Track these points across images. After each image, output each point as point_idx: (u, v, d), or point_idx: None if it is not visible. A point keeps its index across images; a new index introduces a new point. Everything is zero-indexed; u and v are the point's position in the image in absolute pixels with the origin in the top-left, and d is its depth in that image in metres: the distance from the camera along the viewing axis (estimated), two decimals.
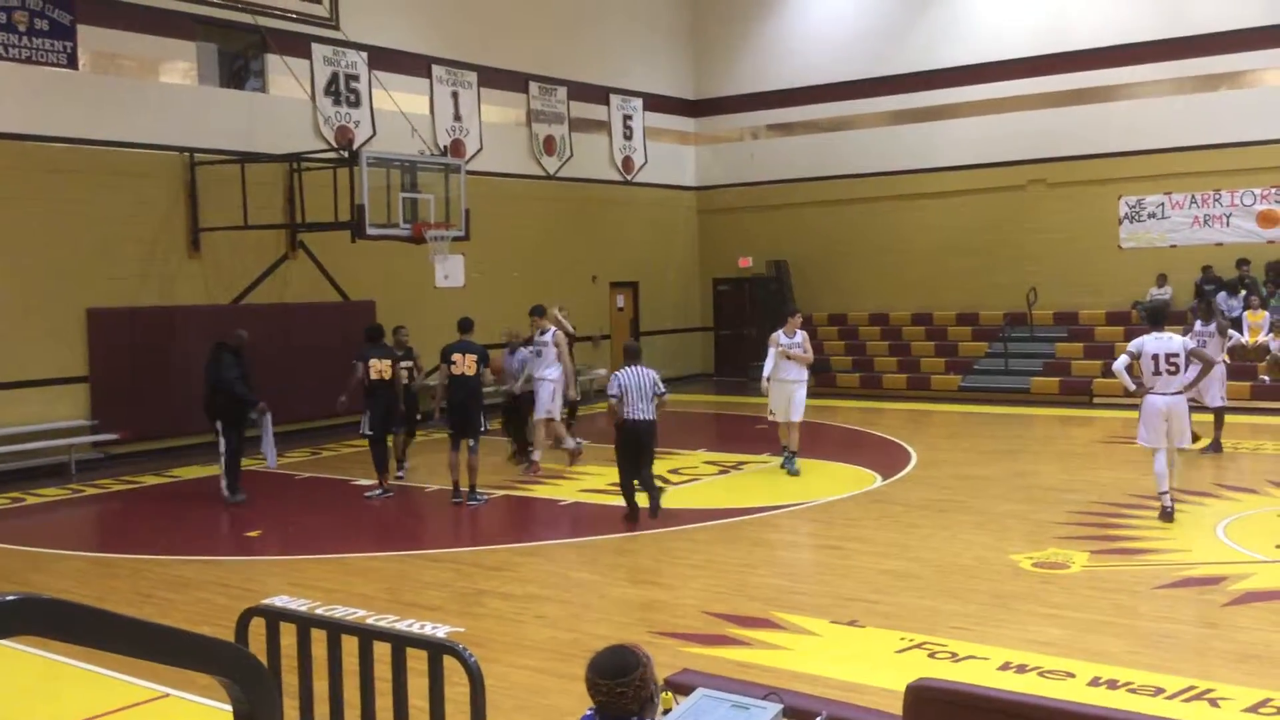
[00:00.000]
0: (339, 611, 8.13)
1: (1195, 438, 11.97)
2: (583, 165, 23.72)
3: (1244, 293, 19.47)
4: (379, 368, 12.83)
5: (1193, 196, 20.98)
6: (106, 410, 15.74)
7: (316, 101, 18.61)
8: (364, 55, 19.21)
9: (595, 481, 13.15)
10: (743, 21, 25.82)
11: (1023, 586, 8.47)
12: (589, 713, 3.28)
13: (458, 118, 21.14)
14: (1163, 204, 21.26)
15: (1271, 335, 18.10)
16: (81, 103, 15.78)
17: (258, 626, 4.69)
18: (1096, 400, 19.65)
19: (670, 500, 11.61)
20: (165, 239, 16.71)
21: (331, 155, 17.57)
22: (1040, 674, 6.51)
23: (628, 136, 25.04)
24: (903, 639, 7.24)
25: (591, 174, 23.99)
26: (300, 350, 17.32)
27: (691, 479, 13.50)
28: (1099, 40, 21.52)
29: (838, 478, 13.35)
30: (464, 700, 4.23)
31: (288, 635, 4.66)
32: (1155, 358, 10.40)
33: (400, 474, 13.99)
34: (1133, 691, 6.22)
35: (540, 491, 13.10)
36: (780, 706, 3.60)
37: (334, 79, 18.99)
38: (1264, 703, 6.03)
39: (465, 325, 12.80)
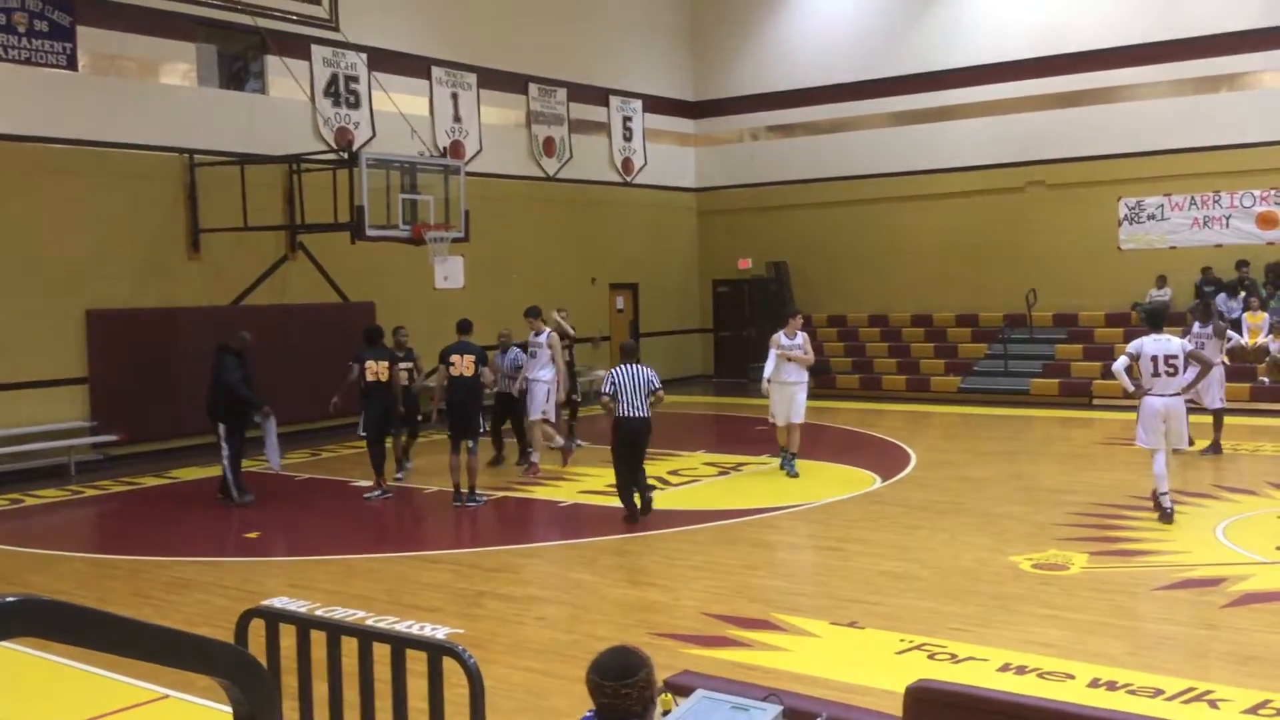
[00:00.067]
0: (338, 613, 8.13)
1: (1190, 441, 11.98)
2: (582, 167, 23.73)
3: (1243, 294, 19.47)
4: (374, 369, 12.84)
5: (1192, 198, 20.99)
6: (106, 411, 15.74)
7: (316, 103, 18.61)
8: (364, 56, 19.22)
9: (594, 483, 13.14)
10: (742, 23, 25.83)
11: (1022, 588, 8.47)
12: (589, 714, 3.27)
13: (457, 119, 21.14)
14: (1162, 205, 21.26)
15: (1271, 337, 18.12)
16: (81, 104, 15.78)
17: (257, 628, 4.69)
18: (1096, 402, 19.65)
19: (671, 501, 11.61)
20: (165, 240, 16.71)
21: (331, 156, 17.58)
22: (1040, 675, 6.51)
23: (627, 138, 25.05)
24: (902, 640, 7.24)
25: (591, 175, 24.00)
26: (300, 351, 17.32)
27: (691, 480, 13.50)
28: (1098, 42, 21.53)
29: (837, 479, 13.34)
30: (463, 702, 4.23)
31: (287, 636, 4.66)
32: (1154, 359, 10.41)
33: (400, 475, 14.00)
34: (1132, 693, 6.22)
35: (539, 493, 13.10)
36: (780, 708, 3.60)
37: (334, 80, 19.00)
38: (1263, 704, 6.02)
39: (464, 327, 12.81)
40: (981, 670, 6.63)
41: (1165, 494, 10.41)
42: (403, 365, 13.53)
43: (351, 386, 13.10)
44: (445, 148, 20.58)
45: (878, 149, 24.06)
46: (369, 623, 7.62)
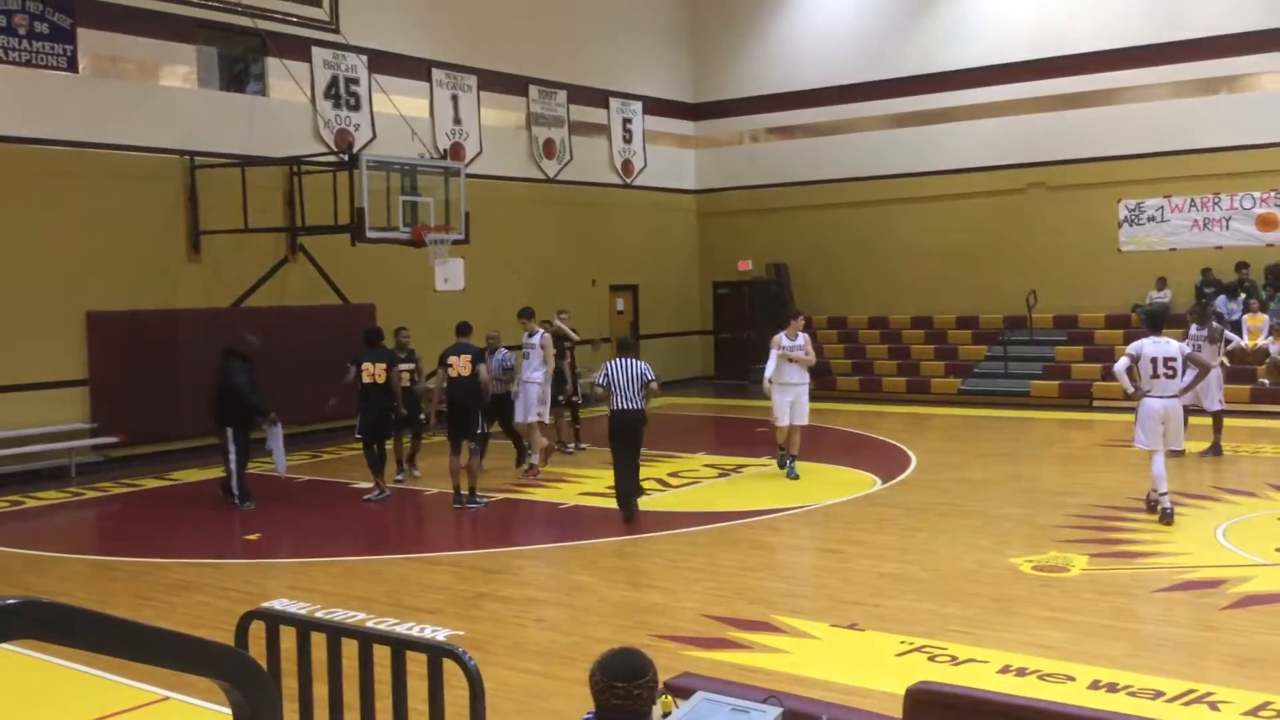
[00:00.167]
0: (339, 615, 8.14)
1: (1181, 452, 12.05)
2: (582, 168, 23.73)
3: (1243, 296, 19.49)
4: (371, 371, 12.83)
5: (1192, 200, 20.99)
6: (106, 413, 15.73)
7: (316, 105, 18.62)
8: (364, 58, 19.23)
9: (594, 485, 13.15)
10: (743, 25, 25.84)
11: (1022, 590, 8.47)
12: (589, 715, 3.27)
13: (457, 121, 21.15)
14: (1162, 207, 21.27)
15: (1271, 338, 18.11)
16: (81, 106, 15.79)
17: (257, 630, 4.69)
18: (1096, 403, 19.65)
19: (671, 503, 11.61)
20: (165, 242, 16.72)
21: (331, 158, 17.59)
22: (1040, 677, 6.52)
23: (627, 140, 25.06)
24: (902, 642, 7.24)
25: (591, 177, 24.00)
26: (300, 353, 17.29)
27: (691, 482, 13.50)
28: (1098, 44, 21.55)
29: (837, 481, 13.34)
30: (463, 703, 4.23)
31: (287, 638, 4.66)
32: (1153, 361, 10.46)
33: (400, 477, 14.00)
34: (1132, 695, 6.22)
35: (540, 495, 13.10)
36: (780, 710, 3.60)
37: (334, 82, 19.00)
38: (1263, 706, 6.02)
39: (463, 329, 12.82)
40: (982, 672, 6.63)
41: (1165, 495, 10.42)
42: (404, 366, 13.53)
43: (349, 388, 13.09)
44: (445, 149, 20.59)
45: (878, 151, 24.06)
46: (369, 624, 7.62)
